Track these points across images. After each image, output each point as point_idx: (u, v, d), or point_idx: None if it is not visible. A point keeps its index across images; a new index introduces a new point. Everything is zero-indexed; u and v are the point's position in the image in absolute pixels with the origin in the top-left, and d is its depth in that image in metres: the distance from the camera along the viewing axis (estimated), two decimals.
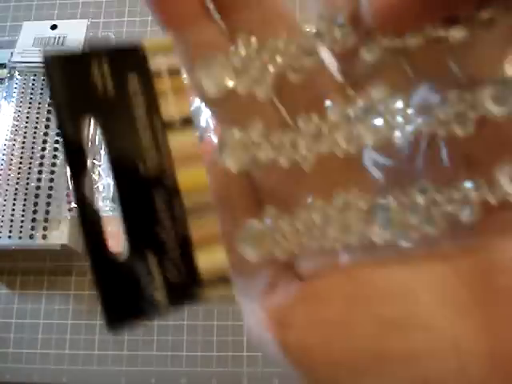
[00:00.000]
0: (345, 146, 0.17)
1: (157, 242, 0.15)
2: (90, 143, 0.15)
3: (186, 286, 0.16)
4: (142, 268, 0.15)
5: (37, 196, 0.55)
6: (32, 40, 0.57)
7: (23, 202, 0.55)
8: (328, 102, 0.17)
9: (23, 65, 0.56)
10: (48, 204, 0.55)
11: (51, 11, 0.63)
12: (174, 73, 0.16)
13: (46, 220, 0.54)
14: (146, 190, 0.15)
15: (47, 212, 0.54)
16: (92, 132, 0.15)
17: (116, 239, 0.15)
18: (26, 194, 0.55)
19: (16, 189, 0.55)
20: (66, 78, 0.15)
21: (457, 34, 0.17)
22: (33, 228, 0.54)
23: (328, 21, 0.17)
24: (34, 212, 0.54)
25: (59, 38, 0.57)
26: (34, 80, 0.56)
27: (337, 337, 0.17)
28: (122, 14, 0.64)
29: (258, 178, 0.19)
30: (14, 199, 0.55)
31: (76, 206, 0.15)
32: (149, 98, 0.15)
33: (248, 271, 0.18)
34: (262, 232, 0.17)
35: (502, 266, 0.16)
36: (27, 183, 0.55)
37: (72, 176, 0.14)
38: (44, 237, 0.54)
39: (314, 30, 0.17)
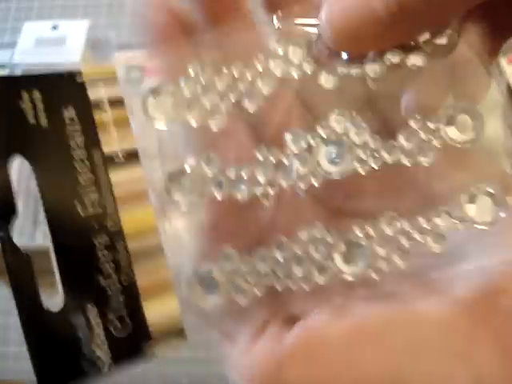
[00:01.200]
0: (307, 179, 0.17)
1: (98, 291, 0.14)
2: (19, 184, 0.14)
3: (132, 341, 0.14)
4: (81, 321, 0.13)
5: (37, 196, 0.55)
6: (33, 41, 0.57)
7: (24, 202, 0.54)
8: (288, 132, 0.16)
9: (24, 66, 0.56)
10: None
11: (52, 12, 0.62)
12: (116, 103, 0.14)
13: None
14: (85, 234, 0.14)
15: None
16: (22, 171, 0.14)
17: None
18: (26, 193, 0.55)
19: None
20: None
21: (417, 60, 0.16)
22: (33, 228, 0.54)
23: (286, 46, 0.16)
24: (35, 212, 0.54)
25: (60, 38, 0.56)
26: None
27: (345, 369, 0.16)
28: (122, 15, 0.63)
29: (217, 216, 0.18)
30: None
31: (3, 255, 0.13)
32: (87, 130, 0.14)
33: (235, 315, 0.17)
34: (220, 276, 0.16)
35: (502, 287, 0.16)
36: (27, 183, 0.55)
37: None
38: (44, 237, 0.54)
39: (272, 58, 0.16)
